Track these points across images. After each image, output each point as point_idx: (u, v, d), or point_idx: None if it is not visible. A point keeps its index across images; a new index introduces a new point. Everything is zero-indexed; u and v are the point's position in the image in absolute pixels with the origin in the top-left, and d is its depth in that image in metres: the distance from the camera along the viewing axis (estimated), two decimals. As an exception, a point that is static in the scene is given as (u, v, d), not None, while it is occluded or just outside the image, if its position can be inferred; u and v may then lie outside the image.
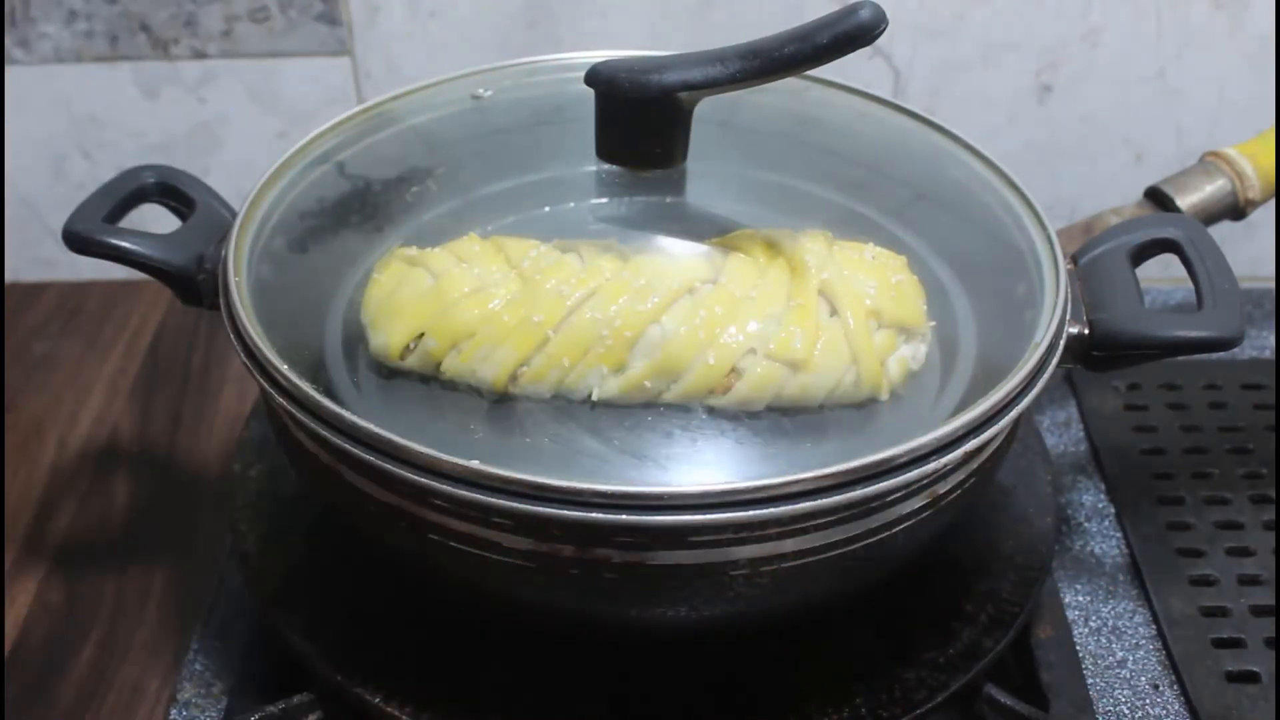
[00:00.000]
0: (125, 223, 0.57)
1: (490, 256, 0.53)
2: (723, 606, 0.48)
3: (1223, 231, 0.64)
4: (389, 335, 0.51)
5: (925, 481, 0.47)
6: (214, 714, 0.59)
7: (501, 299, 0.51)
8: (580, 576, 0.47)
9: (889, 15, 0.48)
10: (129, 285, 0.88)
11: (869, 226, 0.58)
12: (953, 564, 0.59)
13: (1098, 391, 0.77)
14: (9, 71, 0.83)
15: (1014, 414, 0.48)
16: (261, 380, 0.49)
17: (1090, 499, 0.70)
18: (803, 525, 0.46)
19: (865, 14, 0.48)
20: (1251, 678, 0.59)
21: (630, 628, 0.52)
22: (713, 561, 0.46)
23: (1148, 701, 0.59)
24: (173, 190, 0.59)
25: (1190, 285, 0.55)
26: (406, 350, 0.51)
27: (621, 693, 0.54)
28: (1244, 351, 0.80)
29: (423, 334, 0.51)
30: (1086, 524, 0.68)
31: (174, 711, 0.59)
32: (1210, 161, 0.68)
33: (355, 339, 0.53)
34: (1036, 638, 0.60)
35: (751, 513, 0.44)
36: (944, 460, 0.46)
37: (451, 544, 0.48)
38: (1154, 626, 0.62)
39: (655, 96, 0.53)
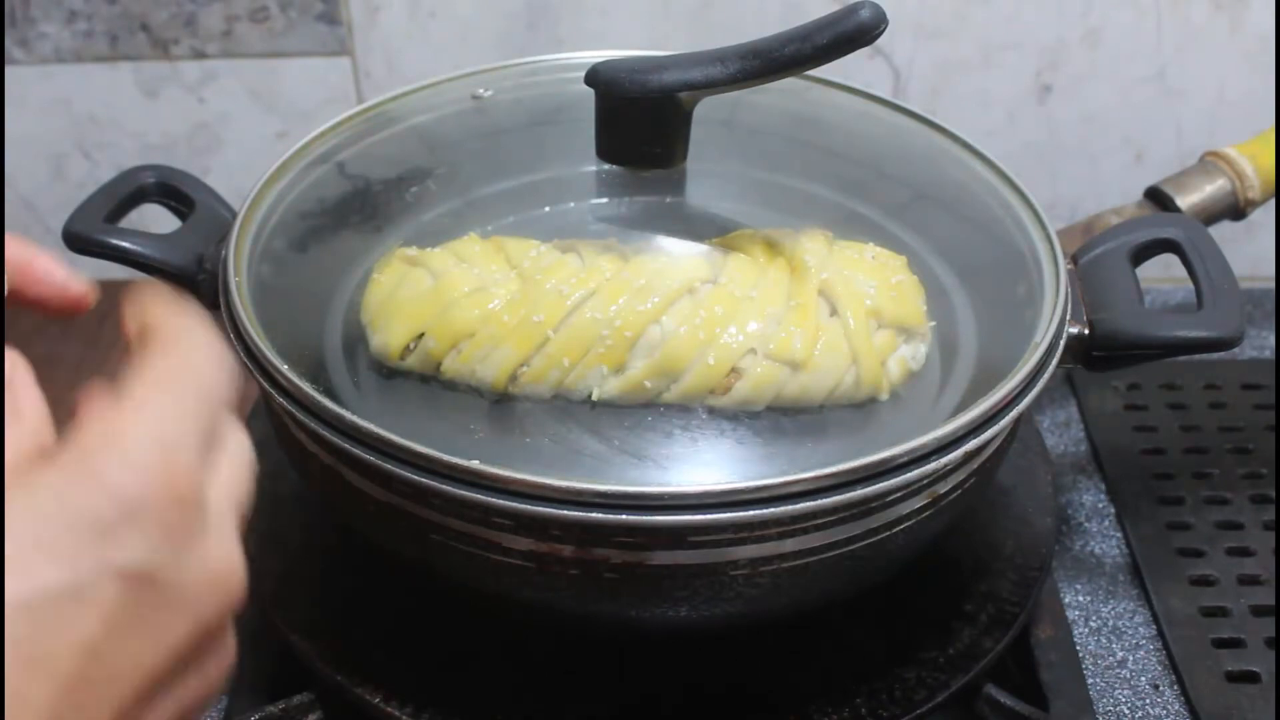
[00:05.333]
0: (125, 223, 0.57)
1: (490, 256, 0.53)
2: (723, 606, 0.48)
3: (1223, 231, 0.64)
4: (389, 335, 0.51)
5: (925, 481, 0.47)
6: (214, 714, 0.59)
7: (501, 299, 0.51)
8: (580, 576, 0.47)
9: (889, 15, 0.48)
10: (129, 285, 0.88)
11: (869, 226, 0.58)
12: (953, 564, 0.59)
13: (1098, 391, 0.77)
14: (9, 71, 0.83)
15: (1014, 414, 0.48)
16: (261, 380, 0.49)
17: (1090, 499, 0.70)
18: (803, 525, 0.46)
19: (865, 14, 0.48)
20: (1251, 678, 0.59)
21: (630, 628, 0.52)
22: (713, 561, 0.46)
23: (1148, 701, 0.59)
24: (173, 190, 0.59)
25: (1190, 285, 0.55)
26: (406, 350, 0.51)
27: (622, 692, 0.54)
28: (1244, 351, 0.80)
29: (423, 334, 0.51)
30: (1086, 524, 0.68)
31: (174, 711, 0.59)
32: (1210, 161, 0.68)
33: (355, 339, 0.53)
34: (1036, 638, 0.60)
35: (751, 513, 0.44)
36: (944, 460, 0.46)
37: (452, 544, 0.47)
38: (1154, 626, 0.62)
39: (655, 96, 0.53)
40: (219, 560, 0.30)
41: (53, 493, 0.27)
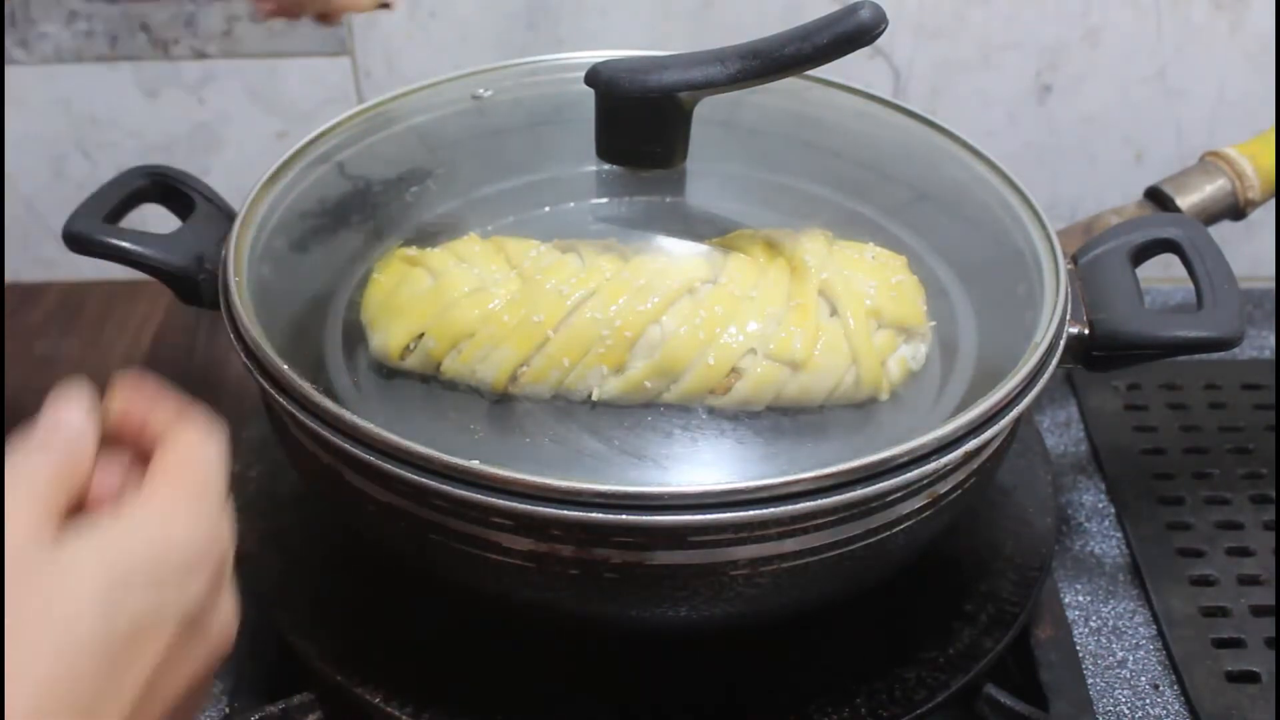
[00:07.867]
0: (125, 223, 0.57)
1: (490, 256, 0.53)
2: (723, 606, 0.48)
3: (1223, 231, 0.64)
4: (389, 335, 0.51)
5: (925, 481, 0.47)
6: (214, 714, 0.59)
7: (501, 299, 0.51)
8: (580, 576, 0.47)
9: (889, 15, 0.49)
10: (129, 285, 0.88)
11: (869, 226, 0.59)
12: (953, 564, 0.59)
13: (1098, 391, 0.77)
14: (9, 71, 0.83)
15: (1014, 414, 0.48)
16: (261, 380, 0.49)
17: (1090, 499, 0.70)
18: (803, 525, 0.46)
19: (865, 14, 0.48)
20: (1251, 678, 0.59)
21: (630, 628, 0.52)
22: (713, 561, 0.46)
23: (1148, 701, 0.59)
24: (173, 190, 0.59)
25: (1190, 285, 0.55)
26: (406, 350, 0.51)
27: (622, 692, 0.54)
28: (1244, 351, 0.80)
29: (423, 334, 0.51)
30: (1086, 524, 0.68)
31: (174, 711, 0.59)
32: (1210, 161, 0.68)
33: (355, 339, 0.53)
34: (1036, 638, 0.60)
35: (751, 513, 0.44)
36: (944, 460, 0.46)
37: (452, 544, 0.47)
38: (1154, 626, 0.62)
39: (655, 96, 0.53)
40: (229, 607, 0.38)
41: (136, 539, 0.34)
